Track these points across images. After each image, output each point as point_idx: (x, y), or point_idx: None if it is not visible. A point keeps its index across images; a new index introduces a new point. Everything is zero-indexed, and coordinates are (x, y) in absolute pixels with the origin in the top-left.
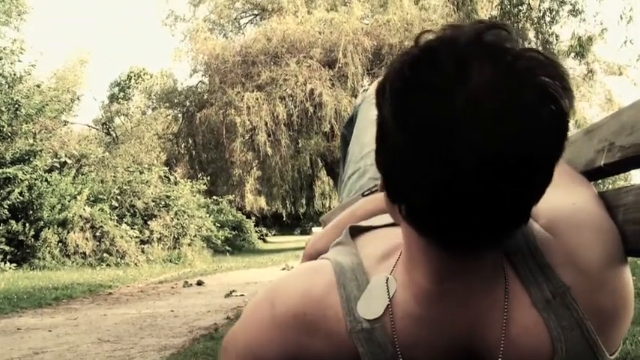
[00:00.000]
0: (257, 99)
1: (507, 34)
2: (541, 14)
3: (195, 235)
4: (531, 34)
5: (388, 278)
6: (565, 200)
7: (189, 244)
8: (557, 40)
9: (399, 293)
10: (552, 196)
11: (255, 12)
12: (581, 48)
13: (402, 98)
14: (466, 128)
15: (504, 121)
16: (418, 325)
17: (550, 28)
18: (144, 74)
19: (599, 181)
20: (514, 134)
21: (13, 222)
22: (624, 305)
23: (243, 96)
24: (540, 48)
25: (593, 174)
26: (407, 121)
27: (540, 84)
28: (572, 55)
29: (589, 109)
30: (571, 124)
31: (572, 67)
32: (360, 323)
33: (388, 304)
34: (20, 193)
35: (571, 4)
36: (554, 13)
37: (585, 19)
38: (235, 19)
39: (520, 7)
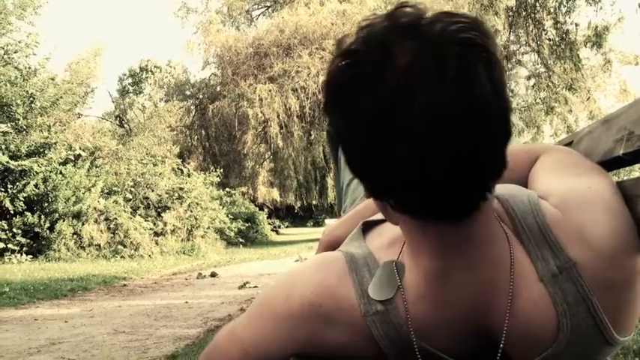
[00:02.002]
0: (269, 91)
1: (418, 9)
2: (557, 4)
3: (208, 227)
4: (549, 24)
5: (396, 262)
6: (580, 183)
7: (202, 236)
8: (576, 28)
9: (407, 277)
10: (568, 179)
11: (268, 4)
12: (597, 37)
13: (344, 101)
14: (409, 106)
15: (439, 84)
16: (429, 305)
17: (569, 17)
18: (154, 67)
19: (614, 172)
20: (453, 94)
21: (28, 214)
22: (635, 283)
23: (255, 88)
24: (558, 38)
25: (611, 163)
26: (356, 120)
27: (461, 39)
28: (590, 45)
29: (604, 99)
30: (585, 114)
31: (588, 56)
32: (374, 306)
33: (399, 286)
34: (35, 186)
35: None
36: (571, 2)
37: (602, 8)
38: (247, 11)
39: None
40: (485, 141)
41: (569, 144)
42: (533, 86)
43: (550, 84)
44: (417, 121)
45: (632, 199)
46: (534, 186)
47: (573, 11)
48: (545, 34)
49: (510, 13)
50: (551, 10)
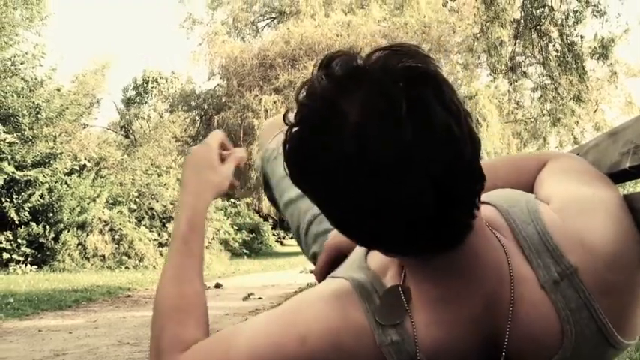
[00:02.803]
0: (274, 102)
1: (350, 54)
2: (564, 16)
3: (212, 238)
4: (555, 35)
5: (402, 287)
6: (585, 190)
7: (206, 247)
8: (581, 40)
9: (414, 302)
10: (572, 185)
11: (273, 15)
12: (603, 49)
13: (314, 172)
14: (375, 156)
15: (396, 126)
16: (439, 330)
17: (574, 29)
18: (159, 77)
19: (619, 185)
20: (411, 131)
21: (33, 224)
22: (637, 287)
23: (260, 99)
24: (565, 50)
25: (618, 176)
26: (328, 185)
27: (404, 74)
28: (596, 56)
29: (609, 111)
30: (591, 126)
31: (593, 68)
32: (389, 336)
33: (407, 309)
34: (41, 196)
35: (594, 5)
36: (577, 14)
37: (608, 20)
38: (253, 22)
39: (542, 10)
40: (457, 163)
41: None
42: (539, 98)
43: (557, 95)
44: (387, 167)
45: (638, 212)
46: (538, 190)
47: (579, 23)
48: (553, 46)
49: (515, 25)
50: (558, 22)
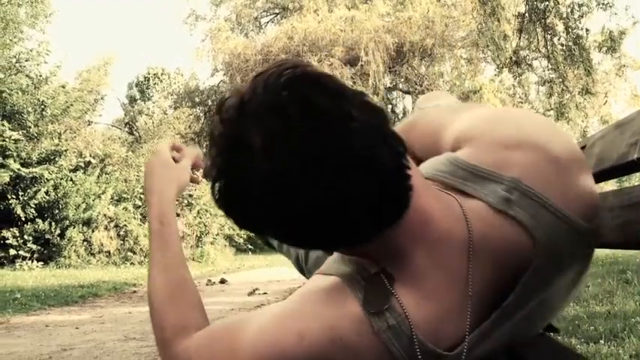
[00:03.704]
0: None
1: (235, 93)
2: (570, 9)
3: (217, 234)
4: (560, 29)
5: (382, 272)
6: (464, 117)
7: (211, 243)
8: (587, 34)
9: (398, 285)
10: (456, 123)
11: (276, 11)
12: (612, 42)
13: (246, 209)
14: (292, 173)
15: (305, 140)
16: (428, 303)
17: (580, 22)
18: (162, 74)
19: (624, 177)
20: (318, 141)
21: (39, 221)
22: (570, 166)
23: None
24: (571, 43)
25: (625, 168)
26: (268, 213)
27: (281, 86)
28: (604, 49)
29: (614, 104)
30: (596, 119)
31: (599, 61)
32: (385, 321)
33: (393, 292)
34: (46, 193)
35: None
36: (583, 7)
37: (617, 13)
38: (256, 18)
39: (547, 3)
40: (374, 152)
41: (581, 148)
42: (546, 92)
43: (564, 88)
44: (309, 175)
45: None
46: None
47: (585, 16)
48: (559, 40)
49: (520, 19)
50: (563, 15)
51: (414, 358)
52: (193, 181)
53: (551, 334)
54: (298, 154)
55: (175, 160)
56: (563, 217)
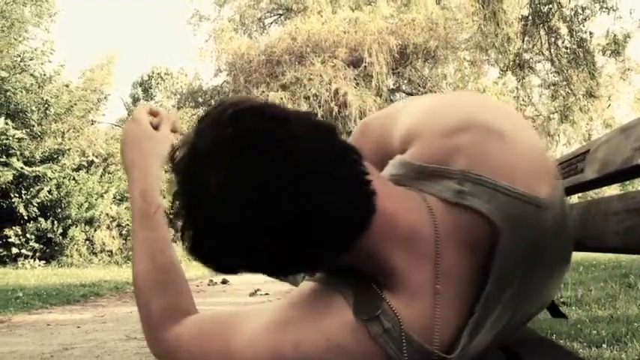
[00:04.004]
0: (281, 98)
1: (184, 142)
2: (573, 12)
3: None
4: (563, 32)
5: (367, 277)
6: (410, 112)
7: None
8: (591, 37)
9: (386, 290)
10: (399, 123)
11: (280, 12)
12: (616, 46)
13: (220, 251)
14: (257, 209)
15: (254, 166)
16: (418, 303)
17: (583, 26)
18: (165, 74)
19: (627, 182)
20: (271, 180)
21: (42, 220)
22: (516, 121)
23: (267, 95)
24: (575, 46)
25: (630, 172)
26: (237, 247)
27: (226, 121)
28: (608, 53)
29: (617, 108)
30: (599, 123)
31: (603, 65)
32: (381, 325)
33: (382, 296)
34: (49, 192)
35: (602, 1)
36: (587, 10)
37: (621, 17)
38: (260, 19)
39: (550, 6)
40: (328, 166)
41: (585, 152)
42: (552, 95)
43: (569, 91)
44: (271, 206)
45: None
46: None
47: (588, 19)
48: (563, 43)
49: (524, 22)
50: (567, 18)
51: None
52: None
53: (560, 318)
54: (254, 184)
55: (153, 127)
56: (516, 195)
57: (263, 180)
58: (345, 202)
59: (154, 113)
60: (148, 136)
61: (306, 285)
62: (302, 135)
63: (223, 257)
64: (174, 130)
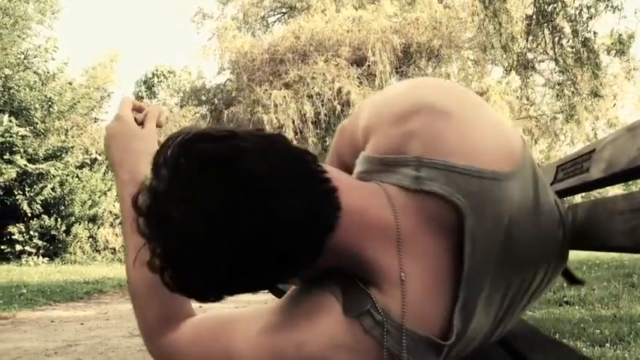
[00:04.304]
0: (284, 97)
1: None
2: (578, 11)
3: None
4: (568, 30)
5: (351, 275)
6: (368, 107)
7: None
8: (595, 36)
9: (372, 286)
10: (361, 119)
11: (283, 10)
12: (621, 45)
13: (204, 279)
14: (220, 232)
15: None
16: (396, 291)
17: (588, 25)
18: (168, 72)
19: (630, 182)
20: (231, 197)
21: (45, 217)
22: (466, 97)
23: (270, 94)
24: (579, 46)
25: (636, 172)
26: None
27: (175, 155)
28: (613, 52)
29: (621, 108)
30: (603, 122)
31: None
32: (373, 318)
33: (368, 292)
34: (52, 189)
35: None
36: (591, 9)
37: (626, 17)
38: (263, 17)
39: (555, 5)
40: (282, 172)
41: (591, 152)
42: (557, 95)
43: (574, 90)
44: (237, 222)
45: None
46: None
47: (594, 18)
48: (568, 42)
49: (528, 21)
50: (571, 17)
51: (410, 349)
52: None
53: (577, 284)
54: (214, 208)
55: (138, 122)
56: (471, 173)
57: (221, 201)
58: (306, 206)
59: (138, 109)
60: (134, 134)
61: (298, 288)
62: (253, 149)
63: (204, 286)
64: (159, 125)
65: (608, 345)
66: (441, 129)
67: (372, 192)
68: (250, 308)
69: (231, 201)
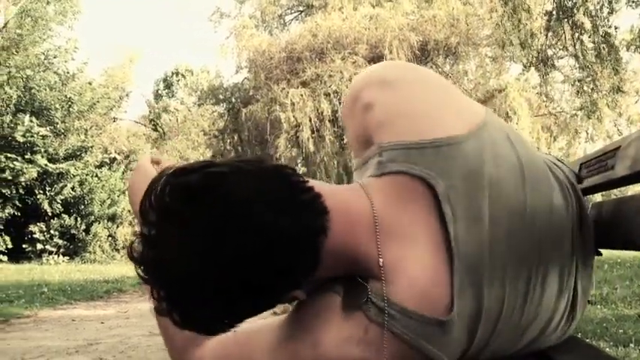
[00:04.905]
0: (302, 95)
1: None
2: (599, 6)
3: None
4: (588, 27)
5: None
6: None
7: None
8: (616, 31)
9: (371, 278)
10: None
11: (301, 8)
12: None
13: (204, 311)
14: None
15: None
16: (395, 277)
17: (608, 20)
18: (186, 71)
19: None
20: (219, 221)
21: (65, 216)
22: (414, 73)
23: (288, 92)
24: (600, 41)
25: None
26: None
27: (162, 195)
28: (632, 48)
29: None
30: (623, 120)
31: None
32: (375, 308)
33: (365, 285)
34: (72, 188)
35: None
36: (612, 4)
37: None
38: (280, 15)
39: (575, 0)
40: (264, 187)
41: (616, 149)
42: (577, 92)
43: (594, 87)
44: (233, 246)
45: None
46: None
47: (614, 13)
48: (589, 38)
49: (547, 17)
50: (592, 13)
51: (414, 330)
52: None
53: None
54: (205, 236)
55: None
56: (426, 144)
57: (207, 232)
58: (295, 217)
59: (156, 162)
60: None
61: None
62: (231, 172)
63: (211, 319)
64: None
65: (632, 345)
66: (390, 109)
67: (352, 190)
68: (267, 321)
69: (216, 229)
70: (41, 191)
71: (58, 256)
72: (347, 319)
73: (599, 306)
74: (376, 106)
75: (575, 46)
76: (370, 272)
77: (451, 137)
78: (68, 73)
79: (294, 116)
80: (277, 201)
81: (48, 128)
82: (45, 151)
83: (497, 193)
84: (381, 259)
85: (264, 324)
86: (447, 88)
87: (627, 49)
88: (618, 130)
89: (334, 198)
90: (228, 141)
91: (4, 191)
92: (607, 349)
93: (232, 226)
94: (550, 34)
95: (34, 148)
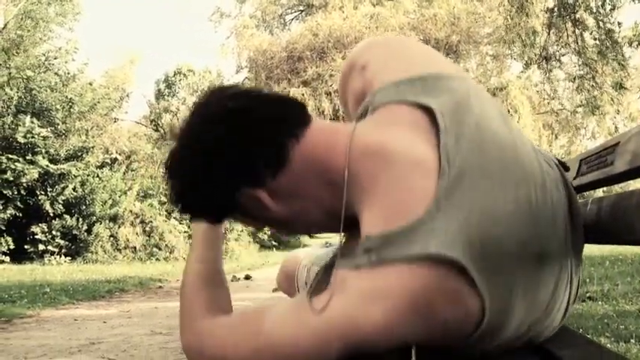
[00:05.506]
0: (303, 95)
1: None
2: (601, 3)
3: (242, 230)
4: (590, 23)
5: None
6: None
7: (236, 239)
8: (619, 27)
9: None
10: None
11: (301, 8)
12: None
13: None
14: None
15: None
16: (381, 213)
17: (611, 17)
18: (188, 71)
19: None
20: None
21: (67, 217)
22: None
23: (289, 92)
24: (602, 37)
25: None
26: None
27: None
28: (635, 44)
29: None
30: (624, 116)
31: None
32: (366, 254)
33: (354, 236)
34: (74, 189)
35: None
36: (614, 0)
37: None
38: (281, 15)
39: None
40: (255, 114)
41: (615, 145)
42: (577, 88)
43: (594, 84)
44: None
45: None
46: None
47: (616, 10)
48: (591, 34)
49: (549, 14)
50: (593, 9)
51: (401, 247)
52: None
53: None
54: (199, 134)
55: None
56: (417, 78)
57: (205, 129)
58: (279, 109)
59: None
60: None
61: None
62: (230, 104)
63: (210, 193)
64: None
65: (633, 341)
66: (386, 56)
67: (347, 124)
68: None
69: (212, 122)
70: (42, 192)
71: (60, 256)
72: (349, 277)
73: (600, 302)
74: (370, 63)
75: (577, 42)
76: (361, 202)
77: (440, 73)
78: (69, 74)
79: None
80: (269, 98)
81: (49, 129)
82: (46, 152)
83: (485, 126)
84: (346, 172)
85: (274, 303)
86: (435, 51)
87: (630, 45)
88: (616, 127)
89: (325, 123)
90: None
91: (5, 192)
92: (608, 344)
93: (221, 127)
94: (552, 31)
95: (35, 149)
